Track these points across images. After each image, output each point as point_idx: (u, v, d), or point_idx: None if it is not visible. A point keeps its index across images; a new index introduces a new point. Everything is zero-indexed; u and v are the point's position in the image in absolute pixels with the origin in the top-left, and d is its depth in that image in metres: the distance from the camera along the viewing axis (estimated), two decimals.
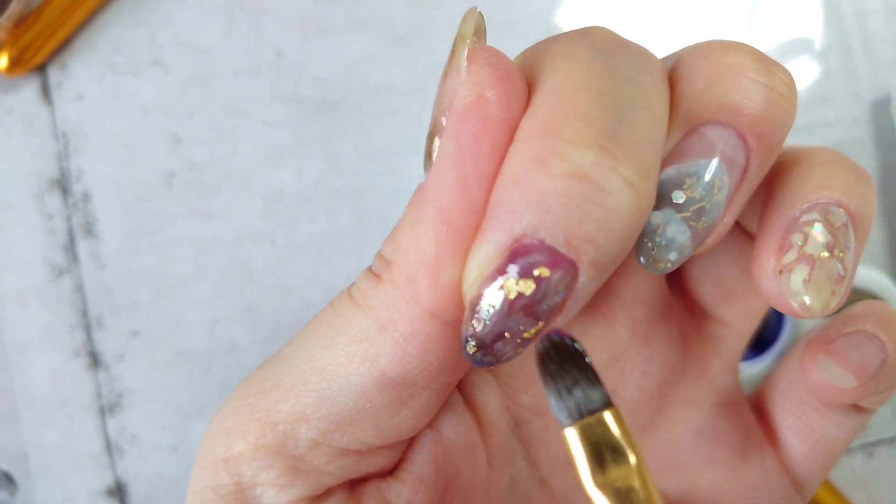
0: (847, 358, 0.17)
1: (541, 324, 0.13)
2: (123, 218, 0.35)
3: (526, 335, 0.13)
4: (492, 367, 0.16)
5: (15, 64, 0.34)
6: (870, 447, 0.37)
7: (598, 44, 0.14)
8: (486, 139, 0.13)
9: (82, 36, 0.35)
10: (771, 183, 0.16)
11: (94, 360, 0.35)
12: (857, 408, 0.19)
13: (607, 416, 0.13)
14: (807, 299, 0.15)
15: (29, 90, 0.35)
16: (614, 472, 0.12)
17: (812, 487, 0.20)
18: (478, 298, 0.13)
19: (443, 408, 0.17)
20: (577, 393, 0.13)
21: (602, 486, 0.12)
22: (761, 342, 0.36)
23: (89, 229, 0.35)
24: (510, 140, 0.13)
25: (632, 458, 0.12)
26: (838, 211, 0.15)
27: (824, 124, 0.37)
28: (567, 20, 0.37)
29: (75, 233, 0.35)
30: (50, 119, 0.35)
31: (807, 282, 0.15)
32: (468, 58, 0.13)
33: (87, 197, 0.35)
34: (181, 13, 0.36)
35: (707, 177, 0.15)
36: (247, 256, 0.35)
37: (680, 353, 0.20)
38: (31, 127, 0.35)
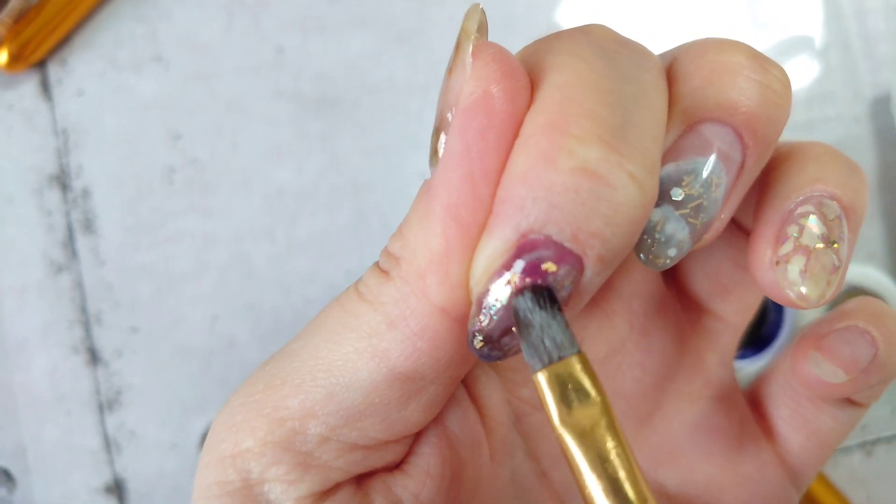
0: (837, 353, 0.18)
1: None
2: (123, 214, 0.35)
3: None
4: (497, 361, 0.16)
5: (15, 60, 0.34)
6: (868, 446, 0.37)
7: (599, 41, 0.14)
8: (492, 135, 0.13)
9: (82, 32, 0.35)
10: (765, 176, 0.17)
11: (93, 357, 0.35)
12: (851, 401, 0.19)
13: (574, 360, 0.13)
14: (803, 289, 0.15)
15: (29, 86, 0.35)
16: (580, 412, 0.13)
17: (807, 479, 0.20)
18: (484, 294, 0.13)
19: (448, 402, 0.17)
20: (547, 340, 0.13)
21: (568, 425, 0.13)
22: (761, 340, 0.36)
23: (89, 225, 0.35)
24: (515, 136, 0.13)
25: (596, 398, 0.13)
26: (832, 203, 0.16)
27: (824, 122, 0.37)
28: (566, 18, 0.37)
29: (75, 229, 0.35)
30: (50, 115, 0.35)
31: (803, 272, 0.15)
32: (473, 54, 0.13)
33: (86, 193, 0.35)
34: (182, 9, 0.36)
35: (705, 174, 0.15)
36: (247, 253, 0.35)
37: (676, 347, 0.20)
38: (30, 123, 0.35)
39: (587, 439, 0.13)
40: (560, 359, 0.13)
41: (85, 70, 0.35)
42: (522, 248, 0.13)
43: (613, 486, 0.13)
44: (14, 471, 0.34)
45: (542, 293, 0.13)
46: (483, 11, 0.14)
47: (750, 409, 0.21)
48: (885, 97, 0.37)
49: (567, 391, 0.13)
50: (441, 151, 0.14)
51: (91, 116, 0.35)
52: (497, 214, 0.13)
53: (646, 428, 0.20)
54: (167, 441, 0.35)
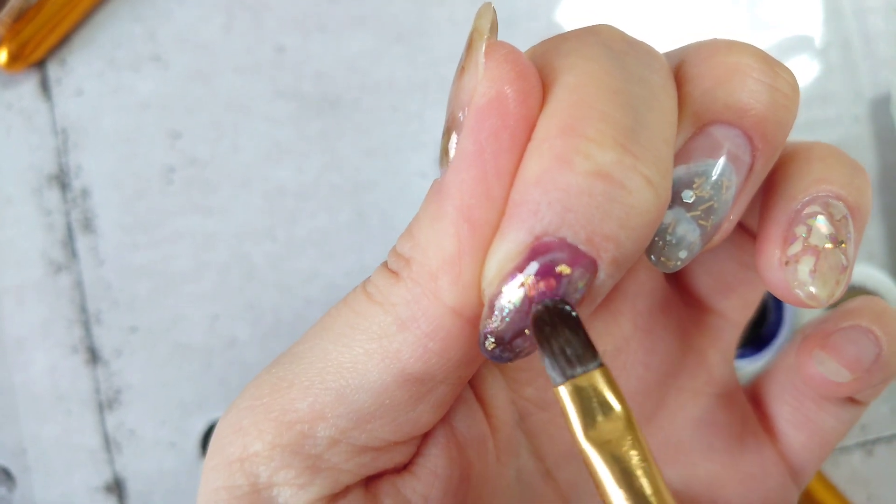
0: (842, 352, 0.18)
1: None
2: (122, 213, 0.35)
3: None
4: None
5: (14, 59, 0.34)
6: (869, 445, 0.37)
7: (609, 42, 0.14)
8: (505, 136, 0.13)
9: (82, 31, 0.35)
10: (770, 177, 0.17)
11: (93, 356, 0.35)
12: (852, 400, 0.20)
13: (597, 374, 0.13)
14: (813, 289, 0.15)
15: (28, 86, 0.35)
16: (604, 426, 0.13)
17: (807, 476, 0.20)
18: (497, 295, 0.13)
19: (455, 402, 0.17)
20: (570, 352, 0.13)
21: (593, 440, 0.13)
22: (760, 339, 0.36)
23: (88, 225, 0.35)
24: (528, 137, 0.13)
25: (620, 411, 0.13)
26: (838, 204, 0.16)
27: (824, 122, 0.37)
28: (568, 18, 0.37)
29: (74, 228, 0.35)
30: (49, 114, 0.35)
31: (813, 272, 0.15)
32: (486, 54, 0.13)
33: (85, 192, 0.35)
34: (181, 9, 0.36)
35: (715, 176, 0.15)
36: (247, 252, 0.35)
37: (679, 344, 0.20)
38: (30, 122, 0.35)
39: (612, 453, 0.13)
40: (583, 371, 0.13)
41: (84, 70, 0.35)
42: (536, 251, 0.13)
43: (639, 502, 0.13)
44: (14, 470, 0.34)
45: (562, 307, 0.13)
46: (494, 11, 0.14)
47: (751, 407, 0.21)
48: (885, 97, 0.37)
49: (590, 405, 0.13)
50: (452, 152, 0.14)
51: (90, 116, 0.35)
52: (511, 217, 0.13)
53: (649, 426, 0.20)
54: (167, 440, 0.35)
